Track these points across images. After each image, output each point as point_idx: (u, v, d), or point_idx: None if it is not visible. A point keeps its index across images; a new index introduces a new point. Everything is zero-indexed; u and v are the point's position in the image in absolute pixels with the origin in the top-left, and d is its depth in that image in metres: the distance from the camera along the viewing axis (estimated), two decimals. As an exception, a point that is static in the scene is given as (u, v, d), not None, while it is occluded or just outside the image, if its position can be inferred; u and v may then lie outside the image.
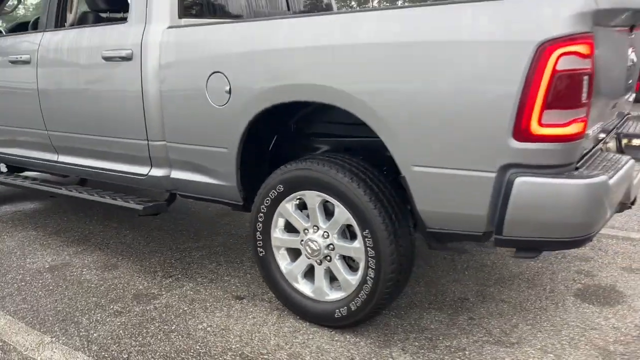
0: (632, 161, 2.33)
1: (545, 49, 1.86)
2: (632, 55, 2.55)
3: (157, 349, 2.49)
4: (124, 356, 2.44)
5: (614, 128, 2.83)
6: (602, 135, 2.53)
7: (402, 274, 2.42)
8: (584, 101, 1.91)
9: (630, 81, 2.63)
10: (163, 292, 3.06)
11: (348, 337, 2.56)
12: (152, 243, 3.82)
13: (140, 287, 3.14)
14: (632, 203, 2.72)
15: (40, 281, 3.24)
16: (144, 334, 2.62)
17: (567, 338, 2.52)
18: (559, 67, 1.85)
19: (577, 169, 2.06)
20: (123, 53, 3.01)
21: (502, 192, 2.03)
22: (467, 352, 2.43)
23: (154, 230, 4.09)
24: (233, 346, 2.51)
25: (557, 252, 3.50)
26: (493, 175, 2.03)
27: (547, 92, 1.88)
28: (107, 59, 3.09)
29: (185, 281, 3.20)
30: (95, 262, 3.50)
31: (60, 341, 2.58)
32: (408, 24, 2.15)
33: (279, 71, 2.47)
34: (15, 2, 4.22)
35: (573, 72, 1.87)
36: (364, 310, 2.47)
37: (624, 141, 2.88)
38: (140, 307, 2.89)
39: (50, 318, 2.80)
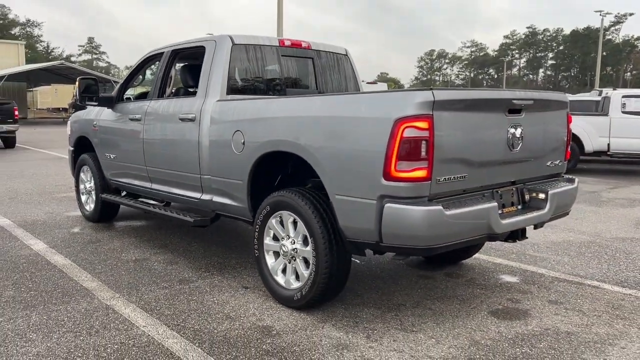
0: (490, 204, 3.28)
1: (397, 123, 2.98)
2: (514, 131, 3.50)
3: (178, 306, 3.82)
4: (158, 307, 3.79)
5: (519, 183, 3.75)
6: (489, 184, 3.49)
7: (335, 270, 3.52)
8: (422, 156, 2.99)
9: (517, 149, 3.55)
10: (199, 280, 4.41)
11: (301, 314, 3.69)
12: (208, 252, 5.23)
13: (186, 275, 4.52)
14: (515, 238, 3.60)
15: (125, 266, 4.76)
16: (175, 299, 3.97)
17: (455, 332, 3.43)
18: (404, 135, 2.97)
19: (430, 200, 3.10)
20: (190, 116, 4.54)
21: (380, 213, 3.12)
22: (375, 331, 3.44)
23: (213, 244, 5.51)
24: (225, 310, 3.76)
25: (503, 284, 4.32)
26: (374, 202, 3.14)
27: (398, 150, 2.99)
28: (181, 119, 4.64)
29: (217, 275, 4.53)
30: (164, 259, 4.98)
31: (124, 297, 4.01)
32: (333, 105, 3.40)
33: (268, 131, 3.80)
34: (141, 78, 6.07)
35: (413, 138, 2.97)
36: (309, 295, 3.59)
37: (532, 194, 3.77)
38: (180, 286, 4.26)
39: (124, 285, 4.26)
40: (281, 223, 3.84)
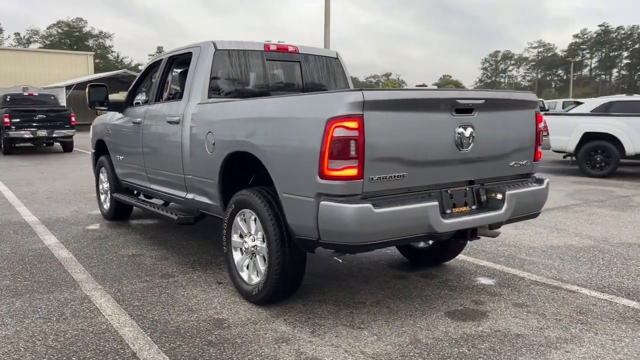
0: (429, 203, 3.28)
1: (328, 122, 3.07)
2: (464, 131, 3.48)
3: (149, 299, 4.04)
4: (130, 299, 4.03)
5: (478, 183, 3.72)
6: (437, 183, 3.49)
7: (287, 268, 3.62)
8: (352, 155, 3.05)
9: (467, 149, 3.53)
10: (179, 275, 4.62)
11: (259, 308, 3.82)
12: (200, 249, 5.45)
13: (170, 270, 4.75)
14: (464, 237, 3.58)
15: (119, 261, 5.06)
16: (149, 292, 4.19)
17: (401, 331, 3.46)
18: (334, 135, 3.05)
19: (365, 198, 3.15)
20: (175, 119, 4.78)
21: (317, 211, 3.21)
22: (323, 327, 3.52)
23: (209, 242, 5.73)
24: (190, 303, 3.94)
25: (475, 286, 4.28)
26: (313, 200, 3.22)
27: (329, 149, 3.07)
28: (169, 122, 4.89)
29: (199, 271, 4.73)
30: (157, 255, 5.24)
31: (105, 289, 4.27)
32: (279, 106, 3.52)
33: (231, 132, 3.96)
34: (149, 83, 6.40)
35: (342, 138, 3.04)
36: (264, 291, 3.72)
37: (490, 195, 3.74)
38: (160, 280, 4.48)
39: (109, 278, 4.54)
40: (245, 221, 3.99)
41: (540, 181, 4.04)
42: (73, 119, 17.39)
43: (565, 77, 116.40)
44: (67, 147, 17.75)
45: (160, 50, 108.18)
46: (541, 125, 4.04)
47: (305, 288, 4.25)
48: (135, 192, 6.51)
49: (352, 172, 3.09)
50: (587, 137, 11.21)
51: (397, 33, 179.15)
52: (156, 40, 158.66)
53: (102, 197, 7.04)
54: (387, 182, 3.24)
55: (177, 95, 5.44)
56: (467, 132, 3.52)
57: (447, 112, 3.44)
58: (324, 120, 3.11)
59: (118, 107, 6.18)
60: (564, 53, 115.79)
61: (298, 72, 5.25)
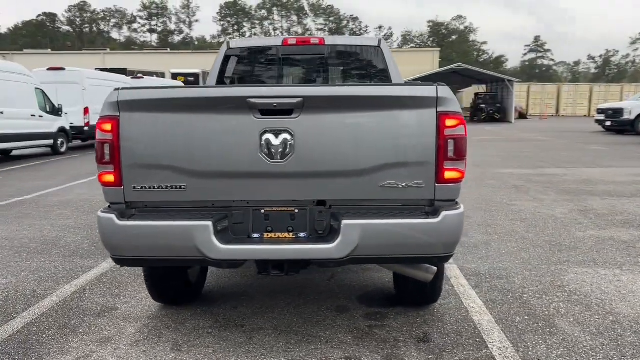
0: (197, 223, 2.71)
1: (100, 124, 2.88)
2: (273, 138, 2.70)
3: (109, 283, 4.46)
4: (96, 280, 4.53)
5: (327, 206, 2.86)
6: (244, 199, 2.85)
7: (157, 278, 3.58)
8: (106, 160, 2.81)
9: (283, 161, 2.71)
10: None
11: (159, 306, 3.83)
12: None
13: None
14: (265, 271, 2.83)
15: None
16: (120, 278, 4.57)
17: (202, 366, 2.99)
18: (96, 137, 2.86)
19: (132, 208, 2.86)
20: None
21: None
22: (156, 340, 3.33)
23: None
24: (123, 292, 4.20)
25: (398, 340, 3.23)
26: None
27: (96, 152, 2.90)
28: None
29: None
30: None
31: (107, 267, 4.89)
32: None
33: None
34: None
35: (100, 141, 2.83)
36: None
37: (335, 222, 2.84)
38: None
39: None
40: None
41: (434, 213, 2.75)
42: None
43: None
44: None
45: (537, 39, 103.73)
46: (456, 130, 2.73)
47: (231, 298, 4.00)
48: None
49: (110, 178, 2.86)
50: None
51: None
52: (534, 29, 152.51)
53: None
54: (160, 193, 2.85)
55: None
56: (279, 139, 2.73)
57: (246, 114, 2.74)
58: (100, 120, 2.95)
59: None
60: None
61: (322, 64, 4.80)
